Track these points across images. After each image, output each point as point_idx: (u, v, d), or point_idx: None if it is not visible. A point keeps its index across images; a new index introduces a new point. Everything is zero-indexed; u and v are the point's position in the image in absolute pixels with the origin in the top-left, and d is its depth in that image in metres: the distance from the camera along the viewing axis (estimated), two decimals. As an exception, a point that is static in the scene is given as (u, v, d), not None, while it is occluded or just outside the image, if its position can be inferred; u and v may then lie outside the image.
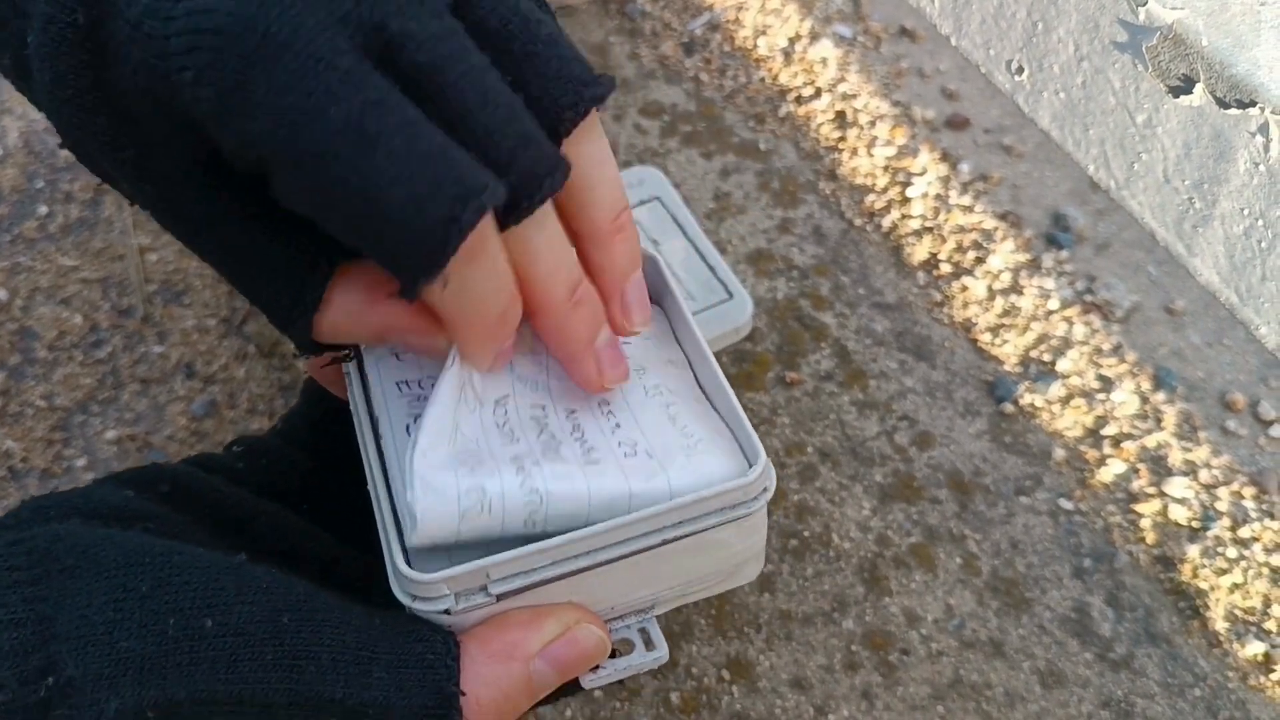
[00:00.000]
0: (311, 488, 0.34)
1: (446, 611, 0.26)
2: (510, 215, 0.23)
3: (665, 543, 0.27)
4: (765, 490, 0.28)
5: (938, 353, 0.56)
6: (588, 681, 0.29)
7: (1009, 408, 0.53)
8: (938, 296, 0.58)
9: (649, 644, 0.30)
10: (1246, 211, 0.54)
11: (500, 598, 0.26)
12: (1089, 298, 0.57)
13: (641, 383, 0.30)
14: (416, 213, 0.21)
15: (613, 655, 0.30)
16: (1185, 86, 0.54)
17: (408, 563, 0.26)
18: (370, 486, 0.28)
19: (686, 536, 0.28)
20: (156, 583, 0.23)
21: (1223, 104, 0.52)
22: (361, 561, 0.31)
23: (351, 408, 0.29)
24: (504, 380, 0.28)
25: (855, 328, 0.56)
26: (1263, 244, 0.53)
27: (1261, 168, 0.52)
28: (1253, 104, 0.51)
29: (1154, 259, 0.59)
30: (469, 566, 0.25)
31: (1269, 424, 0.53)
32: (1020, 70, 0.64)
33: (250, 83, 0.21)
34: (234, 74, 0.21)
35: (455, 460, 0.26)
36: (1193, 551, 0.49)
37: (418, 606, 0.26)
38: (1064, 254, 0.59)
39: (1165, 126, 0.56)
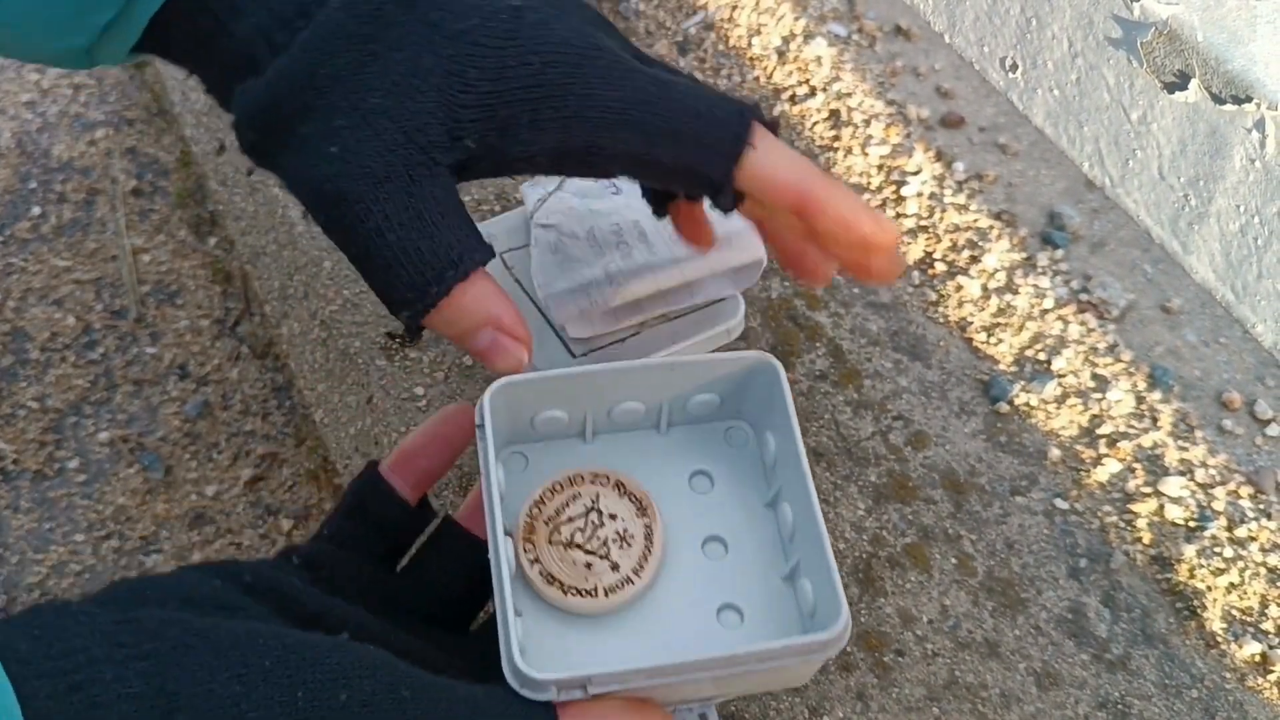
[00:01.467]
0: (374, 590, 0.35)
1: (548, 704, 0.31)
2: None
3: (745, 672, 0.33)
4: (842, 640, 0.33)
5: (932, 352, 0.55)
6: None
7: (1004, 407, 0.53)
8: (932, 296, 0.57)
9: None
10: (1242, 209, 0.53)
11: (595, 697, 0.32)
12: (1084, 296, 0.57)
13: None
14: None
15: None
16: (1180, 83, 0.54)
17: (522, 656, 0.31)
18: (495, 585, 0.33)
19: (763, 667, 0.33)
20: (277, 659, 0.24)
21: (1218, 100, 0.52)
22: (435, 653, 0.33)
23: (485, 494, 0.35)
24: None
25: (850, 327, 0.56)
26: (1259, 241, 0.53)
27: (1257, 164, 0.51)
28: (1248, 100, 0.50)
29: (1150, 257, 0.59)
30: (575, 674, 0.31)
31: (1266, 423, 0.53)
32: (1014, 67, 0.64)
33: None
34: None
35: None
36: (1189, 551, 0.49)
37: (525, 692, 0.31)
38: (1059, 253, 0.59)
39: (1160, 123, 0.56)
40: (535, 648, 0.34)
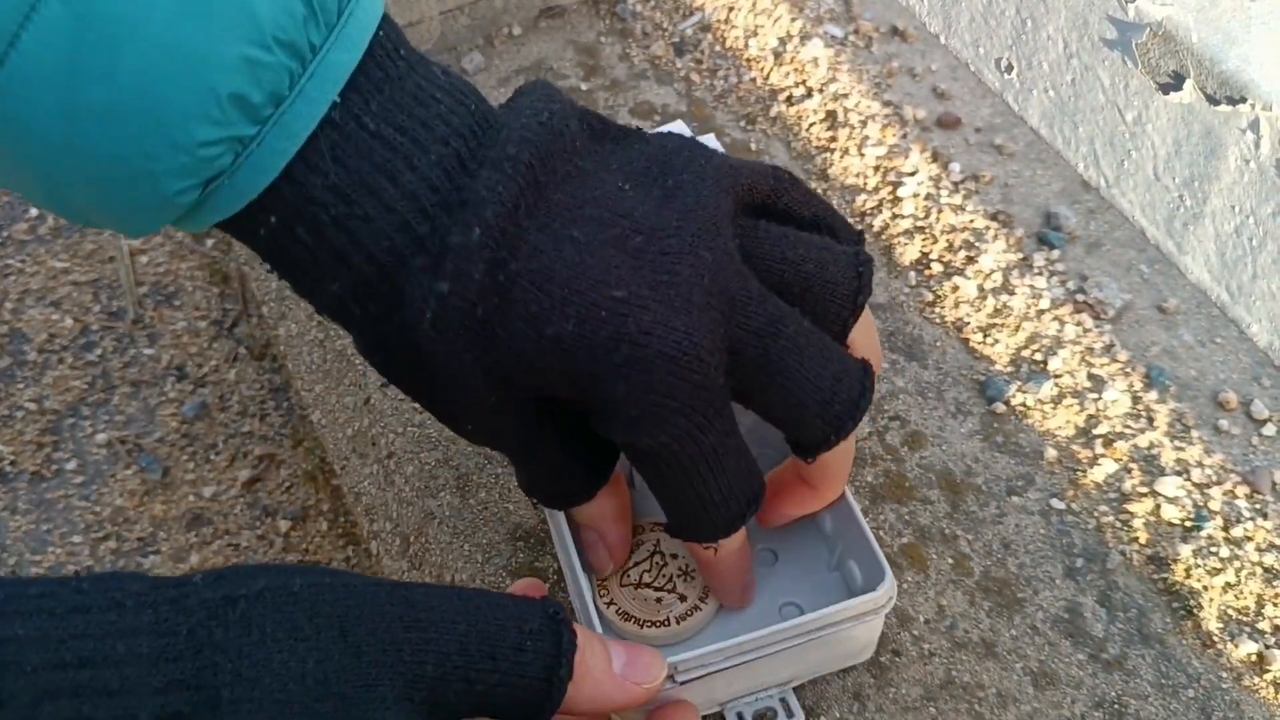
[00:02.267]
0: None
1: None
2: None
3: (810, 640, 0.38)
4: (890, 600, 0.39)
5: (929, 352, 0.55)
6: None
7: (1000, 407, 0.53)
8: (929, 296, 0.57)
9: (789, 711, 0.41)
10: (1237, 209, 0.53)
11: (683, 684, 0.36)
12: (1080, 297, 0.57)
13: None
14: (727, 510, 0.34)
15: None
16: (1175, 83, 0.54)
17: None
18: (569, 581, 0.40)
19: (826, 635, 0.38)
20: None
21: (1213, 101, 0.52)
22: None
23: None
24: None
25: (846, 327, 0.56)
26: (1254, 242, 0.53)
27: (1252, 165, 0.52)
28: (1243, 100, 0.51)
29: (1145, 258, 0.59)
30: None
31: (1262, 423, 0.53)
32: (1010, 68, 0.64)
33: (666, 406, 0.30)
34: (660, 396, 0.30)
35: None
36: (1185, 551, 0.49)
37: None
38: (1055, 253, 0.59)
39: (1155, 124, 0.56)
40: None
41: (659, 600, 0.41)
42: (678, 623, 0.40)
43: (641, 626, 0.40)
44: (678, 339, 0.30)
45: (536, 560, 0.47)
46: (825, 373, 0.33)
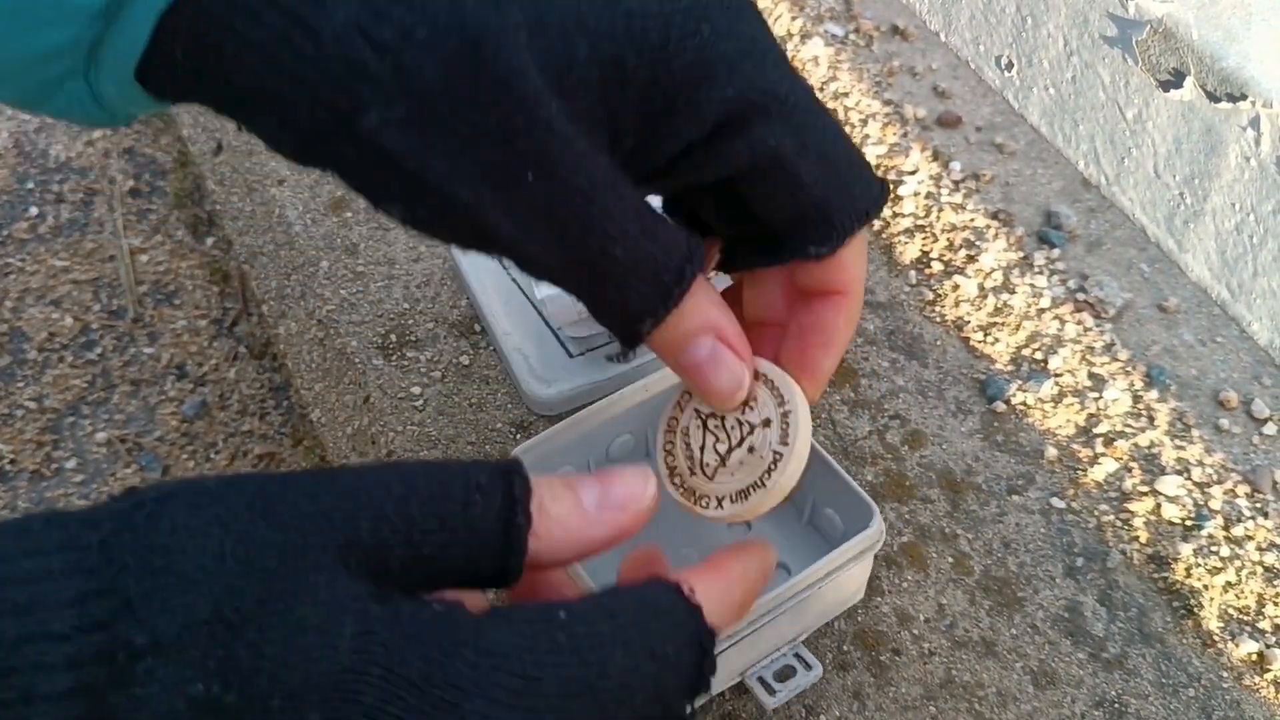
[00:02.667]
0: None
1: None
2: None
3: (816, 590, 0.39)
4: (881, 534, 0.41)
5: (929, 351, 0.55)
6: (769, 703, 0.40)
7: (1000, 406, 0.53)
8: (929, 295, 0.57)
9: (806, 665, 0.41)
10: (1238, 207, 0.53)
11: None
12: (1081, 296, 0.57)
13: None
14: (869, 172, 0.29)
15: (782, 679, 0.40)
16: (1175, 80, 0.54)
17: None
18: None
19: (828, 582, 0.40)
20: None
21: (1213, 98, 0.52)
22: None
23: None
24: None
25: (846, 326, 0.56)
26: (1254, 239, 0.53)
27: (1253, 162, 0.52)
28: (1243, 98, 0.50)
29: (1146, 257, 0.59)
30: None
31: (1262, 422, 0.53)
32: (1010, 66, 0.64)
33: (760, 41, 0.26)
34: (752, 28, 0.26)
35: None
36: (1186, 550, 0.49)
37: None
38: (1055, 252, 0.59)
39: (1155, 121, 0.56)
40: None
41: (742, 463, 0.31)
42: (775, 469, 0.31)
43: (749, 495, 0.31)
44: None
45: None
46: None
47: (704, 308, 0.27)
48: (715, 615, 0.26)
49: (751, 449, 0.30)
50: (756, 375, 0.31)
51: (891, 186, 0.62)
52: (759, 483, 0.31)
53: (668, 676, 0.24)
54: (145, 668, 0.20)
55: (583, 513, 0.26)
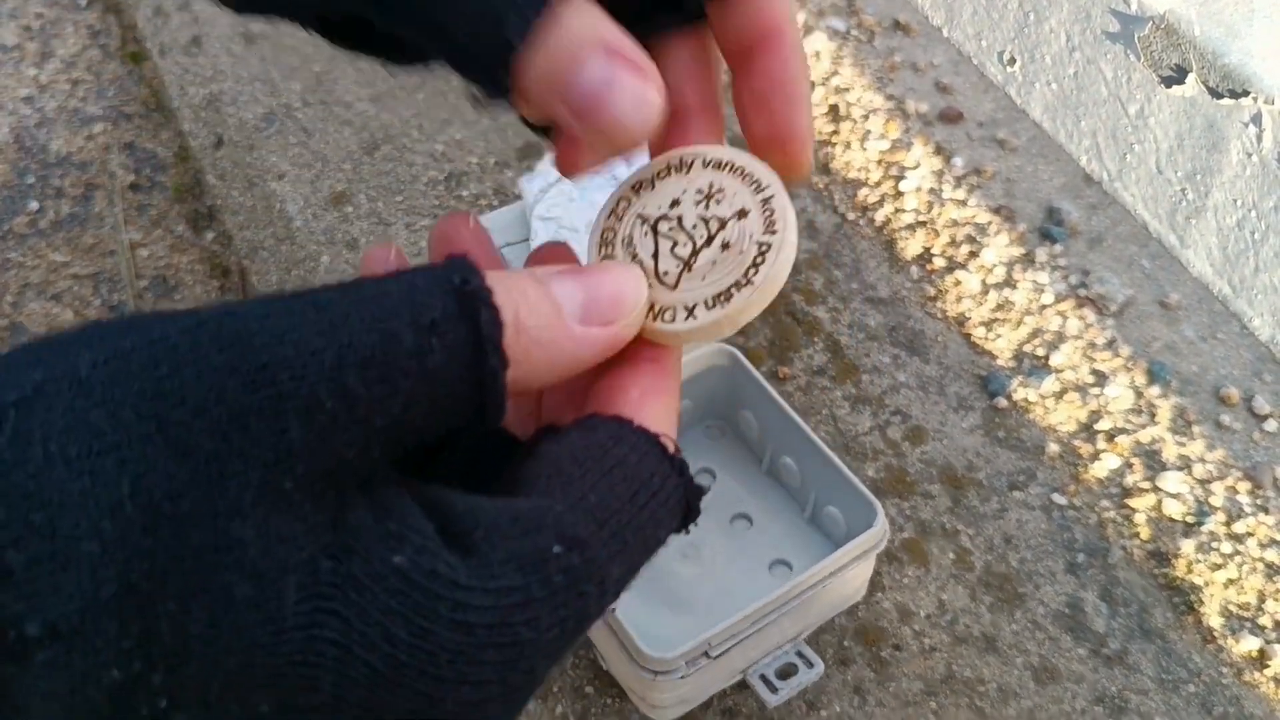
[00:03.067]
0: None
1: (682, 677, 0.37)
2: None
3: (821, 588, 0.40)
4: (885, 533, 0.41)
5: (931, 347, 0.55)
6: (771, 701, 0.40)
7: (1002, 402, 0.53)
8: (931, 291, 0.57)
9: (808, 663, 0.41)
10: (1239, 202, 0.53)
11: (716, 658, 0.37)
12: (1083, 292, 0.57)
13: None
14: None
15: (784, 677, 0.40)
16: (1178, 76, 0.53)
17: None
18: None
19: (832, 581, 0.40)
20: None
21: (1215, 94, 0.52)
22: None
23: None
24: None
25: (848, 322, 0.56)
26: (1255, 235, 0.53)
27: (1254, 158, 0.51)
28: (1245, 94, 0.50)
29: (1148, 253, 0.59)
30: (696, 641, 0.37)
31: (1263, 418, 0.53)
32: (1012, 61, 0.64)
33: None
34: None
35: None
36: (1187, 546, 0.49)
37: (660, 680, 0.37)
38: (1058, 248, 0.59)
39: (1158, 117, 0.56)
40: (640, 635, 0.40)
41: (715, 263, 0.25)
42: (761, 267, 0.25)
43: (731, 297, 0.24)
44: None
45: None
46: None
47: (585, 14, 0.21)
48: (667, 429, 0.21)
49: (726, 245, 0.25)
50: (719, 165, 0.25)
51: (891, 186, 0.61)
52: (744, 280, 0.24)
53: (663, 516, 0.20)
54: (45, 659, 0.16)
55: (568, 330, 0.21)
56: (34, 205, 0.71)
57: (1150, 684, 0.45)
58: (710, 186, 0.25)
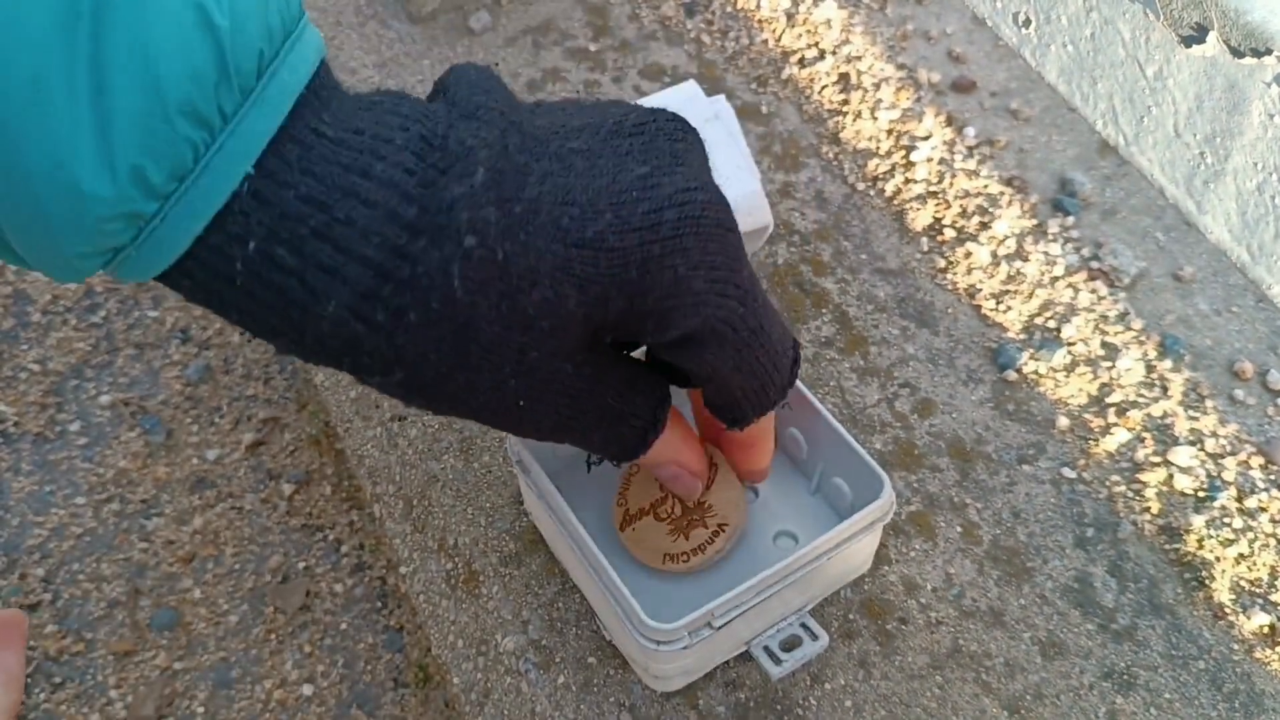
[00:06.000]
0: None
1: (685, 647, 0.38)
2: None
3: (826, 560, 0.40)
4: (892, 504, 0.41)
5: (940, 319, 0.54)
6: (775, 673, 0.40)
7: (1012, 375, 0.52)
8: (941, 262, 0.56)
9: (812, 635, 0.41)
10: (1260, 166, 0.52)
11: (719, 629, 0.38)
12: (1095, 264, 0.56)
13: None
14: (784, 368, 0.33)
15: (788, 649, 0.41)
16: (1198, 36, 0.52)
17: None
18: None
19: (839, 552, 0.41)
20: None
21: (1237, 53, 0.51)
22: None
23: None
24: None
25: (857, 294, 0.55)
26: (1276, 199, 0.52)
27: (1276, 119, 0.50)
28: (1268, 52, 0.49)
29: (1162, 225, 0.57)
30: (699, 612, 0.37)
31: (1277, 393, 0.52)
32: (1027, 23, 0.62)
33: (720, 269, 0.29)
34: (714, 255, 0.29)
35: None
36: (1198, 522, 0.48)
37: (662, 649, 0.38)
38: (1070, 219, 0.58)
39: (1176, 78, 0.54)
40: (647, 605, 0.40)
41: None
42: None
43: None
44: (713, 192, 0.29)
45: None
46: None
47: (671, 446, 0.36)
48: None
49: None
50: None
51: (901, 156, 0.60)
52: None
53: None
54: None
55: None
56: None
57: (1159, 660, 0.44)
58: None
